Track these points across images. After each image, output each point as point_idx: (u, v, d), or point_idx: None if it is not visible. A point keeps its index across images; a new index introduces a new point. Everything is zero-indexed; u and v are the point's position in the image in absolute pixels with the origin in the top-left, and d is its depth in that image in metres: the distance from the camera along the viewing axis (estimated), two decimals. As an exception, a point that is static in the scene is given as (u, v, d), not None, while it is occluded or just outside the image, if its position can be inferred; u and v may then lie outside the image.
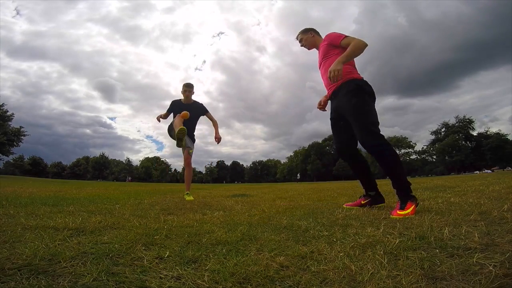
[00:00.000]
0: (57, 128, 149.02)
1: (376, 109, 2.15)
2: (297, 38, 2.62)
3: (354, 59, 2.20)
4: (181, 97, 4.05)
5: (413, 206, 1.82)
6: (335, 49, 2.22)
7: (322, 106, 2.50)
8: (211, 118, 4.15)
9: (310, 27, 2.59)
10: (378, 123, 2.05)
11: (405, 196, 1.90)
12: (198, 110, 4.08)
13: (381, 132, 2.02)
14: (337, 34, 2.24)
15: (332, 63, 2.09)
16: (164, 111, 4.07)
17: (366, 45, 2.07)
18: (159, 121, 3.98)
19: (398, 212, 1.80)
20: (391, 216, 1.78)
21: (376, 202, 2.35)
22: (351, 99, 2.08)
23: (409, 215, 1.73)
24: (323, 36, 2.45)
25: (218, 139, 4.04)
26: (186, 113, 3.59)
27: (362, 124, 2.02)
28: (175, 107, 3.94)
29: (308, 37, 2.52)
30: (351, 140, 2.25)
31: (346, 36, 2.16)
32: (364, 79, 2.20)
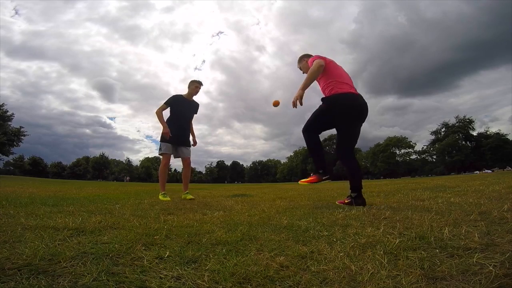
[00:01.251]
0: (57, 128, 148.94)
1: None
2: (298, 67, 2.98)
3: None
4: (183, 92, 3.99)
5: (313, 178, 2.59)
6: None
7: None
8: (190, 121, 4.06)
9: (304, 54, 2.95)
10: (315, 122, 2.63)
11: (314, 171, 2.65)
12: (195, 109, 4.04)
13: (310, 127, 2.65)
14: (310, 60, 2.62)
15: (323, 83, 2.58)
16: (165, 111, 3.97)
17: (319, 66, 2.45)
18: (168, 136, 3.67)
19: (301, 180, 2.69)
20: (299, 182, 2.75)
21: (357, 203, 2.50)
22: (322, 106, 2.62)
23: (305, 182, 2.62)
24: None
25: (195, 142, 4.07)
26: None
27: (308, 118, 2.70)
28: (178, 103, 3.81)
29: (304, 64, 2.87)
30: (339, 144, 2.69)
31: (314, 61, 2.52)
32: (339, 92, 2.50)
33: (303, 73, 2.87)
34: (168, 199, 3.53)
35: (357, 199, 2.49)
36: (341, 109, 2.49)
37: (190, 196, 3.76)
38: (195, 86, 3.90)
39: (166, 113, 3.86)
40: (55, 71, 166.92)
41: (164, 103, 3.78)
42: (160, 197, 3.60)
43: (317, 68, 2.44)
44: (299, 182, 2.74)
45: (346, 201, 2.61)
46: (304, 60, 2.87)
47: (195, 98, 4.01)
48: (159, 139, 3.80)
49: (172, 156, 3.84)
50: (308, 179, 2.61)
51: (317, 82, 2.66)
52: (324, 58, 2.57)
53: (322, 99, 2.59)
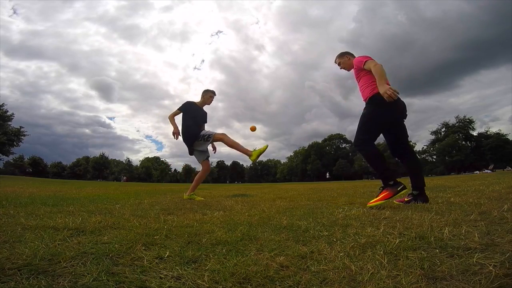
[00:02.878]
0: (56, 128, 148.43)
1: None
2: (335, 62, 2.96)
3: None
4: (196, 99, 4.04)
5: (385, 193, 2.31)
6: (362, 71, 2.61)
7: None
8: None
9: (345, 51, 2.94)
10: (368, 130, 2.53)
11: (383, 185, 2.39)
12: (205, 118, 4.06)
13: (362, 137, 2.52)
14: (359, 59, 2.61)
15: (364, 82, 2.59)
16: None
17: (381, 65, 2.44)
18: (176, 138, 3.73)
19: (369, 202, 2.38)
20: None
21: (417, 201, 2.43)
22: (364, 110, 2.59)
23: (381, 201, 2.30)
24: (356, 55, 2.79)
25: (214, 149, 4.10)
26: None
27: (357, 129, 2.59)
28: (191, 108, 3.85)
29: (345, 61, 2.88)
30: (393, 141, 2.63)
31: (366, 61, 2.53)
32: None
33: (341, 68, 2.91)
34: (202, 198, 3.71)
35: (420, 196, 2.45)
36: (393, 106, 2.44)
37: (198, 198, 3.79)
38: (209, 95, 3.94)
39: (177, 120, 3.89)
40: (54, 71, 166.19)
41: (178, 109, 3.83)
42: (196, 197, 3.75)
43: (381, 67, 2.42)
44: (368, 205, 2.35)
45: (406, 199, 2.51)
46: (346, 56, 2.87)
47: (194, 98, 4.03)
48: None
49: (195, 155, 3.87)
50: (379, 197, 2.33)
51: (355, 80, 2.71)
52: (373, 59, 2.58)
53: (371, 98, 2.51)
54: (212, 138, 3.64)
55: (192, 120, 3.81)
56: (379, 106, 2.43)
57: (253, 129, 3.74)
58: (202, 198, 3.83)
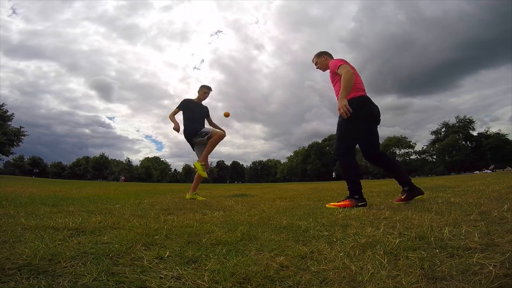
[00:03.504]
0: (56, 128, 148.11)
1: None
2: (313, 61, 2.92)
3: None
4: (191, 95, 4.10)
5: (347, 202, 2.42)
6: (337, 75, 2.54)
7: None
8: (211, 122, 4.17)
9: (324, 50, 2.90)
10: (347, 138, 2.54)
11: (350, 194, 2.47)
12: (205, 112, 4.11)
13: (343, 146, 2.55)
14: (334, 62, 2.57)
15: (338, 87, 2.49)
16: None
17: (351, 74, 2.40)
18: (178, 130, 3.78)
19: (334, 202, 2.53)
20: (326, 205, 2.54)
21: (413, 195, 2.49)
22: (339, 118, 2.52)
23: (339, 206, 2.40)
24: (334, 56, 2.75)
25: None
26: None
27: (336, 138, 2.63)
28: (189, 105, 3.91)
29: (322, 61, 2.84)
30: (369, 146, 2.64)
31: (340, 65, 2.48)
32: (358, 96, 2.50)
33: (317, 68, 2.88)
34: (204, 198, 3.71)
35: (412, 191, 2.48)
36: (369, 112, 2.51)
37: (200, 198, 3.79)
38: (203, 91, 4.00)
39: (178, 118, 3.94)
40: (53, 71, 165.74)
41: (176, 107, 3.90)
42: (198, 197, 3.74)
43: (351, 77, 2.40)
44: (326, 206, 2.53)
45: (402, 197, 2.54)
46: (323, 56, 2.84)
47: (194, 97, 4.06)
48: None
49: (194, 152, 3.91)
50: (340, 203, 2.47)
51: (330, 83, 2.70)
52: (348, 64, 2.56)
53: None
54: (210, 135, 3.65)
55: (191, 116, 3.87)
56: (355, 112, 2.38)
57: (226, 115, 3.90)
58: (204, 198, 3.83)
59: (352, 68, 2.57)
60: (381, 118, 2.65)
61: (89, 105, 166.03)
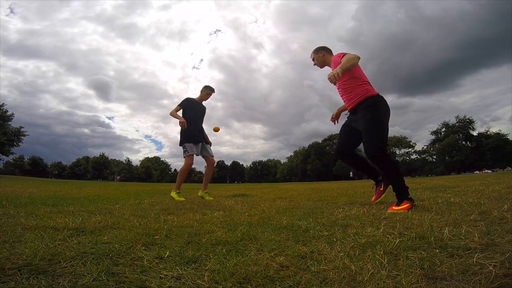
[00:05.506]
0: (55, 127, 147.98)
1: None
2: (311, 57, 2.79)
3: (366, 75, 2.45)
4: (193, 95, 4.10)
5: (407, 205, 2.08)
6: None
7: (334, 119, 2.81)
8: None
9: (322, 46, 2.76)
10: (385, 137, 2.30)
11: (401, 196, 2.18)
12: (204, 112, 4.13)
13: (384, 145, 2.28)
14: (337, 57, 2.43)
15: (350, 83, 2.38)
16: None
17: (358, 57, 2.29)
18: (185, 126, 3.70)
19: (393, 207, 2.11)
20: (388, 210, 2.08)
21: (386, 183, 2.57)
22: (365, 115, 2.31)
23: (402, 211, 2.01)
24: (334, 53, 2.62)
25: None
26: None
27: (370, 138, 2.29)
28: (191, 104, 3.93)
29: (319, 57, 2.70)
30: (350, 145, 2.58)
31: (344, 54, 2.38)
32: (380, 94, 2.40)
33: (315, 64, 2.76)
34: (183, 199, 3.58)
35: (381, 181, 2.60)
36: (388, 107, 2.39)
37: (209, 198, 3.77)
38: (206, 92, 4.01)
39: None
40: (52, 70, 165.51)
41: (178, 105, 3.90)
42: (174, 195, 3.61)
43: (357, 58, 2.28)
44: (388, 210, 2.09)
45: (381, 189, 2.65)
46: (321, 52, 2.69)
47: (194, 97, 4.06)
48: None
49: (195, 155, 3.89)
50: (401, 207, 2.08)
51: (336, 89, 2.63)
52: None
53: (373, 100, 2.32)
54: (186, 156, 3.70)
55: (192, 116, 3.87)
56: (383, 108, 2.30)
57: (216, 130, 3.98)
58: (212, 198, 3.82)
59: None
60: None
61: (88, 104, 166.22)
